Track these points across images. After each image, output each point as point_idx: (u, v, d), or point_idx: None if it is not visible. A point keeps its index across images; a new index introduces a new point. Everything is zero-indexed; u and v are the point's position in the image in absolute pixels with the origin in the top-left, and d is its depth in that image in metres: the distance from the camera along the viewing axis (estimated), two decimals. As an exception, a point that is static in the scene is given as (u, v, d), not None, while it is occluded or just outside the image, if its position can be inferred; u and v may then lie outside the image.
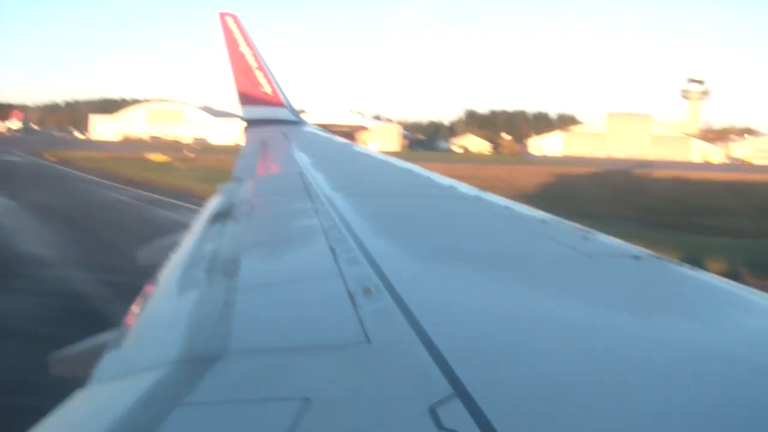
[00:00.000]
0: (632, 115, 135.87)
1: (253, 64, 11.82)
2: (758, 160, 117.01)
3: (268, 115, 11.74)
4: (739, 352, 1.76)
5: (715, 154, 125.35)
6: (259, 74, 11.86)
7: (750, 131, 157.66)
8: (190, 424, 1.43)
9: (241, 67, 11.79)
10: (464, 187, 5.01)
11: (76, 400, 1.73)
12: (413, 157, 50.32)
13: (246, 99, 11.85)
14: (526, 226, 3.63)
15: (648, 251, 2.84)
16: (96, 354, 2.17)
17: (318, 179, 5.29)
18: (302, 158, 7.34)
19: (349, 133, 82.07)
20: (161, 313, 2.41)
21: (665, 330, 1.94)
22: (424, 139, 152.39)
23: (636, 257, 2.73)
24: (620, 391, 1.47)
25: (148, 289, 2.76)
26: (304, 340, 1.84)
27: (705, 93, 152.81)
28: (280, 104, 11.95)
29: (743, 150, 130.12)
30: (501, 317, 1.99)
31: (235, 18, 11.92)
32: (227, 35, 11.83)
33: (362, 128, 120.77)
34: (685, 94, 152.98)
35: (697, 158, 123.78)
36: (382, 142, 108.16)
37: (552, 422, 1.31)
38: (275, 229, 3.83)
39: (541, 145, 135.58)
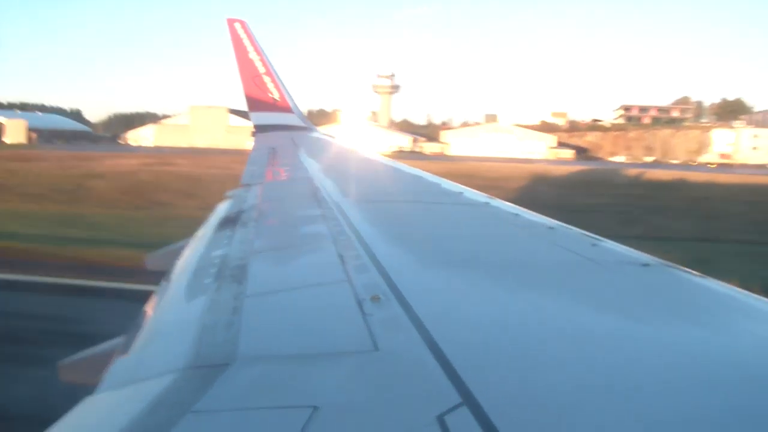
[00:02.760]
0: (210, 107, 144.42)
1: (261, 69, 11.87)
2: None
3: (277, 121, 11.78)
4: (750, 360, 1.75)
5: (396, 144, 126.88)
6: (267, 80, 11.91)
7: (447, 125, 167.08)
8: (199, 431, 1.43)
9: (249, 73, 11.84)
10: (473, 193, 5.00)
11: (84, 406, 1.73)
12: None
13: (254, 105, 11.90)
14: (534, 232, 3.62)
15: (657, 259, 2.83)
16: (105, 360, 2.18)
17: (326, 185, 5.30)
18: (310, 164, 7.35)
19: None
20: (170, 320, 2.41)
21: (675, 338, 1.93)
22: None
23: (645, 264, 2.72)
24: (630, 400, 1.46)
25: (157, 294, 2.76)
26: (312, 347, 1.84)
27: (394, 87, 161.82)
28: (288, 110, 11.99)
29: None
30: (510, 325, 1.98)
31: (243, 24, 11.97)
32: (235, 41, 11.88)
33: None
34: (375, 89, 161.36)
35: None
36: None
37: (561, 431, 1.31)
38: (284, 235, 3.83)
39: (137, 137, 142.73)
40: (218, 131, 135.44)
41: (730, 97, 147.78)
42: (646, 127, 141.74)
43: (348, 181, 6.09)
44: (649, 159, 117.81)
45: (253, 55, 11.86)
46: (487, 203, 4.49)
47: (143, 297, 2.76)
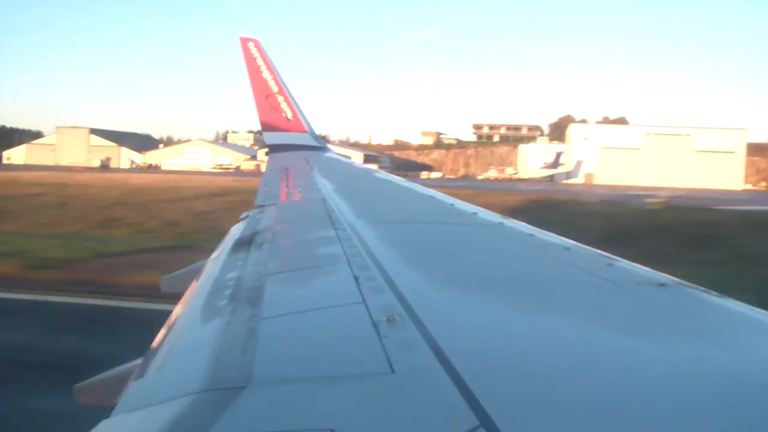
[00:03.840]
0: (74, 128, 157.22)
1: (275, 89, 11.93)
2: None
3: (290, 141, 11.83)
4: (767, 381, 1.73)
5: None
6: (280, 99, 11.97)
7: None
8: None
9: (262, 93, 11.90)
10: (488, 214, 4.99)
11: (100, 430, 1.73)
12: None
13: (268, 124, 11.96)
14: (550, 253, 3.61)
15: (674, 278, 2.80)
16: (120, 383, 2.18)
17: (340, 206, 5.31)
18: (324, 184, 7.37)
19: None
20: (185, 342, 2.41)
21: (693, 359, 1.91)
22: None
23: (662, 285, 2.70)
24: (650, 423, 1.45)
25: (172, 317, 2.77)
26: (327, 369, 1.83)
27: None
28: (302, 130, 12.04)
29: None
30: (526, 346, 1.97)
31: (256, 43, 12.05)
32: (248, 60, 11.96)
33: None
34: None
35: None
36: None
37: None
38: (298, 256, 3.84)
39: (10, 154, 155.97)
40: (80, 150, 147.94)
41: (613, 116, 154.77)
42: (485, 144, 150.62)
43: (362, 202, 6.11)
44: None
45: (266, 74, 11.92)
46: (501, 223, 4.48)
47: (160, 319, 2.77)
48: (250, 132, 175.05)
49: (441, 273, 2.94)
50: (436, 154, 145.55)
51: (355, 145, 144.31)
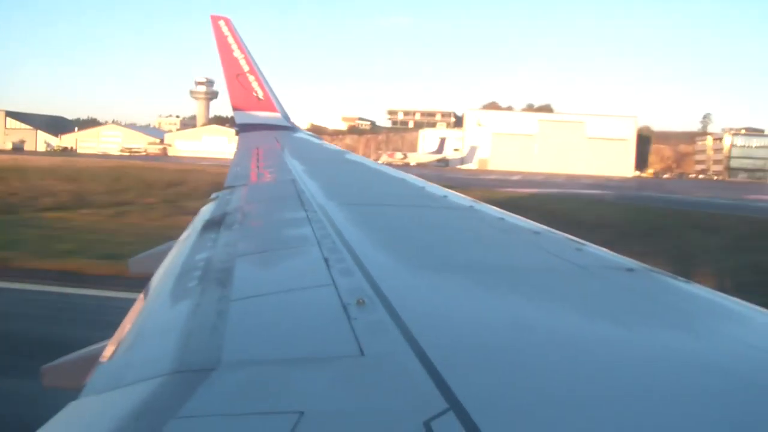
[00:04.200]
0: None
1: (246, 67, 11.77)
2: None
3: (261, 120, 11.69)
4: (733, 365, 1.77)
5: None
6: (251, 78, 11.82)
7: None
8: None
9: (233, 71, 11.74)
10: (458, 197, 5.01)
11: (68, 411, 1.72)
12: None
13: (239, 103, 11.82)
14: (519, 237, 3.64)
15: (641, 264, 2.85)
16: (88, 365, 2.16)
17: (311, 187, 5.29)
18: (295, 165, 7.33)
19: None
20: (154, 324, 2.40)
21: (658, 342, 1.95)
22: None
23: (629, 270, 2.74)
24: (614, 404, 1.48)
25: (141, 298, 2.75)
26: (297, 351, 1.84)
27: (211, 93, 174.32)
28: (272, 109, 11.92)
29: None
30: (495, 329, 1.99)
31: (227, 21, 11.87)
32: (219, 39, 11.78)
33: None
34: (193, 95, 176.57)
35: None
36: None
37: None
38: (268, 238, 3.82)
39: None
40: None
41: (538, 103, 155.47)
42: (397, 130, 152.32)
43: (333, 183, 6.09)
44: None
45: (237, 53, 11.76)
46: (471, 207, 4.50)
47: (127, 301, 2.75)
48: (177, 117, 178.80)
49: (411, 256, 2.95)
50: (348, 140, 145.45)
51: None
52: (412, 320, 1.92)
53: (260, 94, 11.82)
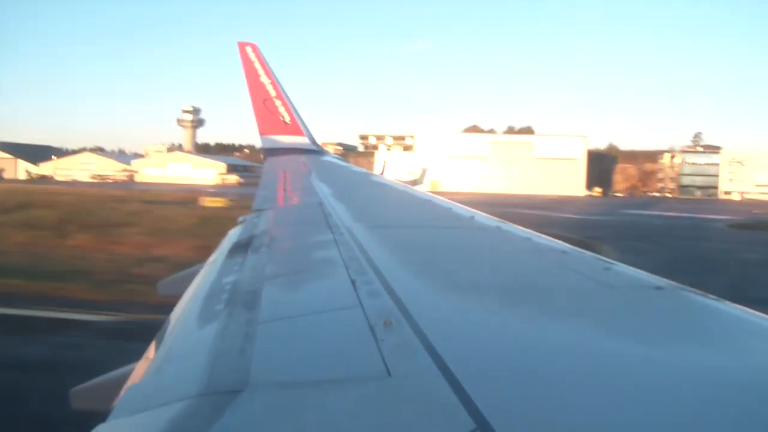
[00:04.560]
0: None
1: (273, 93, 11.93)
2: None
3: (288, 144, 11.82)
4: (765, 386, 1.73)
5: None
6: (278, 103, 11.97)
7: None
8: None
9: (260, 96, 11.91)
10: (485, 218, 5.00)
11: None
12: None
13: (265, 128, 11.95)
14: (547, 257, 3.61)
15: (670, 282, 2.81)
16: (117, 387, 2.18)
17: (338, 210, 5.31)
18: (322, 188, 7.37)
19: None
20: (182, 346, 2.41)
21: (687, 362, 1.91)
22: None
23: (658, 288, 2.70)
24: (644, 426, 1.45)
25: (169, 321, 2.76)
26: (325, 373, 1.83)
27: (198, 121, 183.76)
28: (299, 133, 12.03)
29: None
30: (523, 350, 1.97)
31: (254, 47, 12.06)
32: (246, 65, 11.96)
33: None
34: (180, 123, 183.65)
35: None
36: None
37: None
38: (295, 261, 3.84)
39: None
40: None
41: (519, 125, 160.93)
42: (365, 154, 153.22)
43: (360, 206, 6.11)
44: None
45: (264, 78, 11.93)
46: (498, 227, 4.48)
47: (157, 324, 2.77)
48: (163, 144, 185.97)
49: (438, 277, 2.94)
50: None
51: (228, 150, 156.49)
52: (439, 341, 1.91)
53: (287, 119, 11.96)
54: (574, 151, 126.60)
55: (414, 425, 1.45)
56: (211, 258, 4.14)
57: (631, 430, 1.43)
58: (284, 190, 8.61)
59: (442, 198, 6.48)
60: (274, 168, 10.53)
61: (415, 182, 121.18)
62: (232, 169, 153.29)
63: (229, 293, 2.89)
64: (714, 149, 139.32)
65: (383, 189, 8.39)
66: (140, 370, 2.22)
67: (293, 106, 12.13)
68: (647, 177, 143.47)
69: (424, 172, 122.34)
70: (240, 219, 5.83)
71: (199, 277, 3.61)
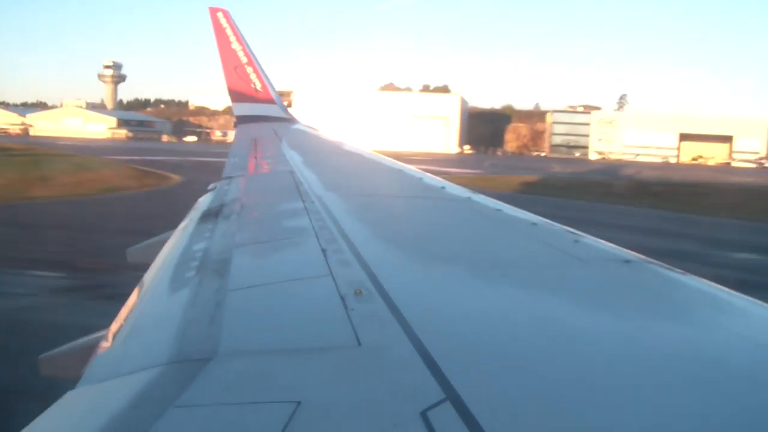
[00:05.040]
0: None
1: (244, 59, 11.75)
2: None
3: (259, 112, 11.68)
4: (727, 355, 1.78)
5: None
6: (249, 70, 11.79)
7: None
8: (181, 426, 1.42)
9: (231, 63, 11.72)
10: (456, 188, 5.01)
11: (66, 401, 1.72)
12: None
13: (237, 96, 11.79)
14: (517, 228, 3.64)
15: (639, 255, 2.86)
16: (86, 354, 2.17)
17: (309, 178, 5.28)
18: (293, 156, 7.32)
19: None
20: (151, 314, 2.40)
21: (654, 334, 1.95)
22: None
23: (627, 261, 2.75)
24: (611, 395, 1.48)
25: (139, 288, 2.75)
26: (295, 342, 1.84)
27: (119, 77, 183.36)
28: (270, 101, 11.90)
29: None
30: (493, 321, 2.00)
31: (225, 13, 11.84)
32: (217, 31, 11.75)
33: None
34: (101, 78, 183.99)
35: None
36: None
37: (544, 427, 1.32)
38: (265, 229, 3.82)
39: None
40: None
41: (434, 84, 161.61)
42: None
43: (330, 175, 6.08)
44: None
45: (235, 45, 11.73)
46: (469, 198, 4.50)
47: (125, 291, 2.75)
48: (79, 99, 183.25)
49: (408, 247, 2.95)
50: (223, 120, 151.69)
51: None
52: (409, 311, 1.92)
53: (258, 86, 11.80)
54: (448, 110, 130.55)
55: (384, 395, 1.46)
56: (181, 225, 4.10)
57: (600, 399, 1.46)
58: (255, 157, 8.53)
59: (413, 168, 6.48)
60: (244, 135, 10.42)
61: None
62: (124, 123, 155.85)
63: (199, 261, 2.88)
64: (593, 109, 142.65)
65: (354, 158, 8.36)
66: (110, 336, 2.21)
67: (264, 73, 11.97)
68: (538, 137, 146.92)
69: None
70: (210, 186, 5.77)
71: (169, 244, 3.58)
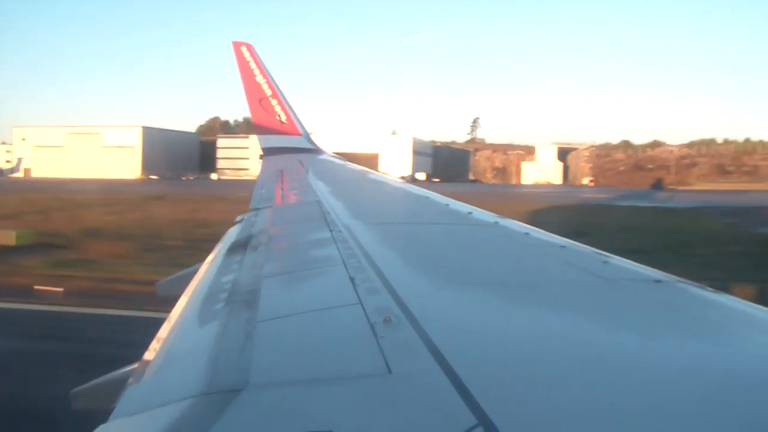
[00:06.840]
0: None
1: (268, 92, 11.90)
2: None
3: (285, 144, 11.80)
4: (765, 377, 1.73)
5: None
6: (274, 102, 11.94)
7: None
8: None
9: (256, 96, 11.87)
10: (483, 214, 5.00)
11: None
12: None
13: (262, 129, 11.93)
14: (546, 251, 3.61)
15: (669, 275, 2.81)
16: (117, 388, 2.18)
17: (336, 207, 5.30)
18: (319, 186, 7.36)
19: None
20: (182, 346, 2.41)
21: (692, 355, 1.92)
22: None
23: (657, 281, 2.71)
24: (649, 421, 1.45)
25: (169, 321, 2.76)
26: (325, 371, 1.83)
27: None
28: (296, 132, 12.02)
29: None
30: (524, 346, 1.97)
31: (249, 47, 12.03)
32: (241, 64, 11.93)
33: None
34: None
35: None
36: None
37: None
38: (294, 259, 3.83)
39: None
40: None
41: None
42: None
43: (357, 203, 6.10)
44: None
45: (259, 78, 11.89)
46: (496, 223, 4.48)
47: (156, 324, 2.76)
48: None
49: (437, 274, 2.94)
50: None
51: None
52: (440, 337, 1.91)
53: (283, 118, 11.93)
54: (132, 140, 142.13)
55: (416, 423, 1.45)
56: (210, 257, 4.14)
57: (633, 423, 1.43)
58: (281, 188, 8.60)
59: (439, 195, 6.48)
60: (270, 167, 10.52)
61: (12, 170, 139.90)
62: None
63: (229, 292, 2.89)
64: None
65: (381, 186, 8.39)
66: (140, 370, 2.22)
67: (289, 105, 12.10)
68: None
69: (19, 161, 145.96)
70: (238, 218, 5.82)
71: (198, 276, 3.60)
